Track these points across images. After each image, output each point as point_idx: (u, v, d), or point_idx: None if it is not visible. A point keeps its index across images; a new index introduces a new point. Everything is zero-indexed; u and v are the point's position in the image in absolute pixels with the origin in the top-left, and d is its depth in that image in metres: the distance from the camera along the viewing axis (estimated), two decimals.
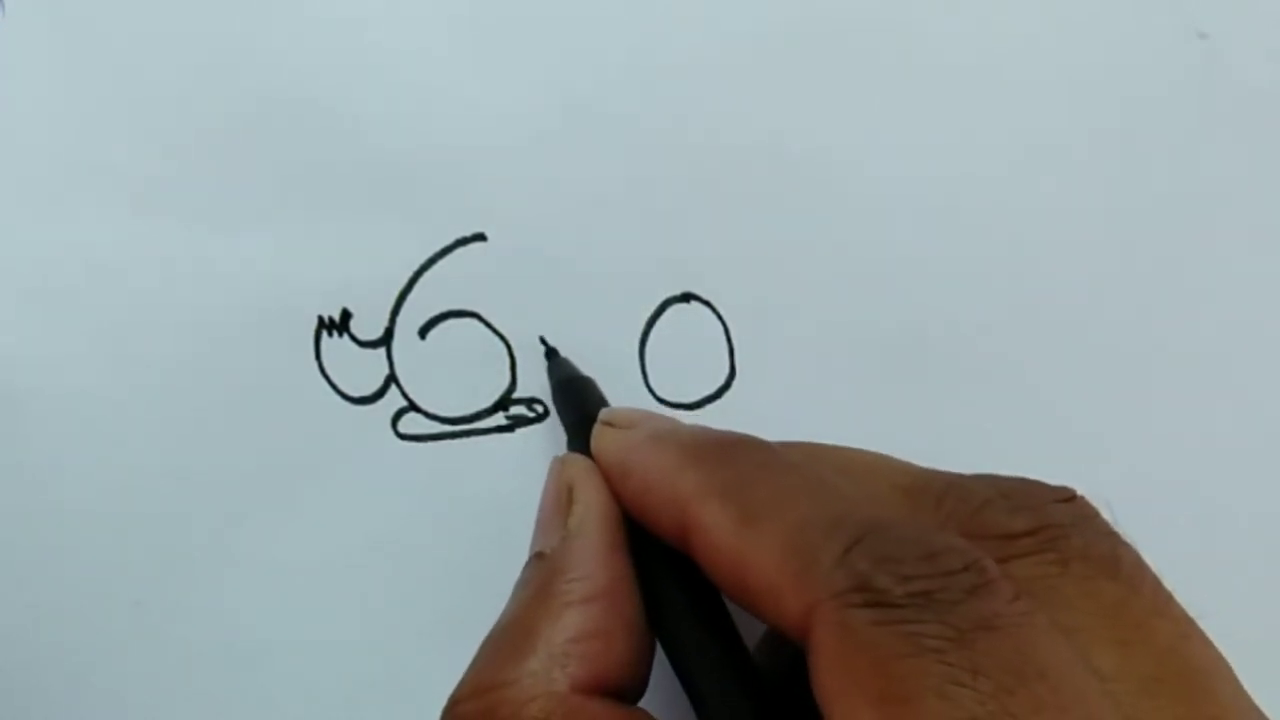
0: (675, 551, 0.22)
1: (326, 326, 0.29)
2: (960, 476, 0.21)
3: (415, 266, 0.29)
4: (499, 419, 0.30)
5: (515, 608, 0.22)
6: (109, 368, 0.29)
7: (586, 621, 0.21)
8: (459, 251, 0.29)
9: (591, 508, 0.23)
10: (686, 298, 0.30)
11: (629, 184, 0.30)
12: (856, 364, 0.31)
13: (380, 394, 0.29)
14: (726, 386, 0.30)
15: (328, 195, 0.29)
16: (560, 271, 0.30)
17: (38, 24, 0.28)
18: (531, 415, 0.30)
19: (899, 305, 0.31)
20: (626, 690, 0.21)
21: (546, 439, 0.30)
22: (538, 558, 0.23)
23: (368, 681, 0.30)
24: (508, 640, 0.22)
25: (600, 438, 0.24)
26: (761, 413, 0.30)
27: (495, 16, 0.29)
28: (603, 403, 0.27)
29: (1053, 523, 0.19)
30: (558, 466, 0.25)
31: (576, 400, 0.27)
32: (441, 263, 0.29)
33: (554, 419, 0.30)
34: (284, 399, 0.29)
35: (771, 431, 0.30)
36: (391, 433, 0.29)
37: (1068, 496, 0.20)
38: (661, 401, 0.30)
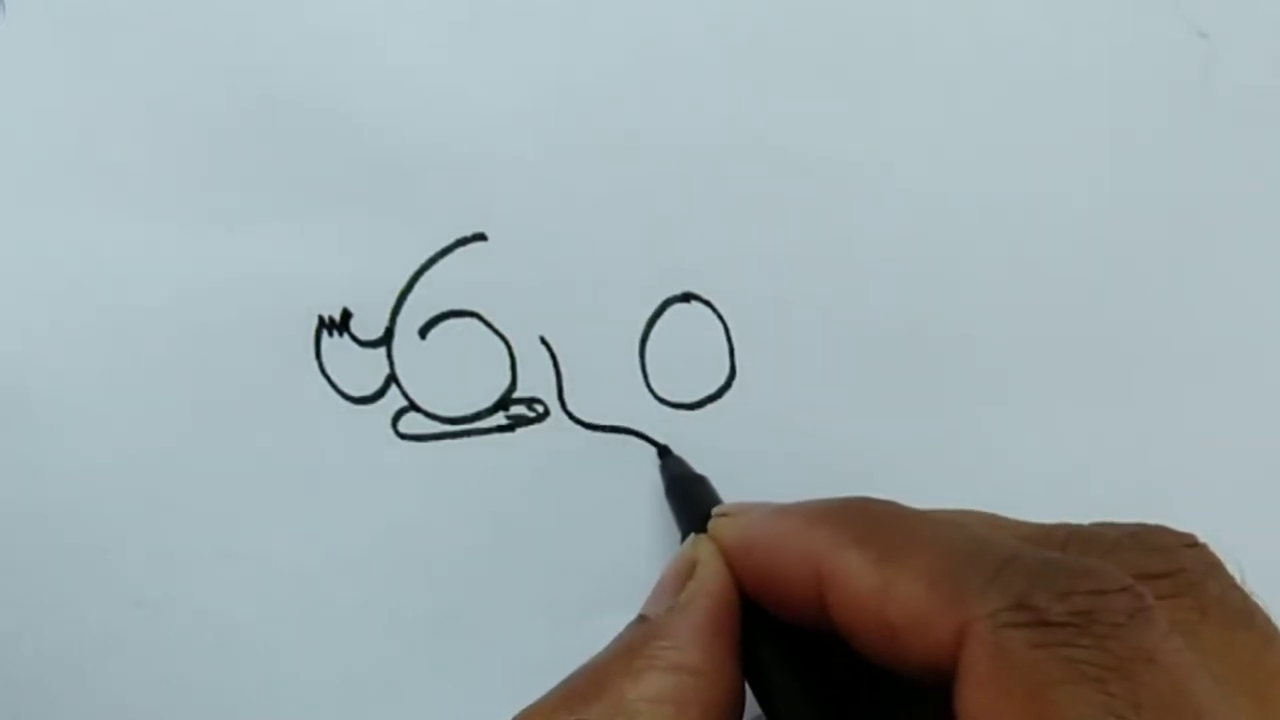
0: (791, 636, 0.22)
1: (327, 326, 0.29)
2: (1079, 525, 0.21)
3: (416, 266, 0.29)
4: (499, 419, 0.30)
5: (599, 658, 0.22)
6: (109, 368, 0.29)
7: (666, 688, 0.21)
8: (459, 251, 0.29)
9: (706, 585, 0.23)
10: (687, 298, 0.30)
11: (629, 184, 0.30)
12: (856, 364, 0.31)
13: (380, 394, 0.29)
14: (727, 386, 0.30)
15: (328, 195, 0.29)
16: (560, 271, 0.30)
17: (38, 24, 0.28)
18: (531, 415, 0.30)
19: (899, 305, 0.31)
20: None
21: (546, 439, 0.30)
22: (640, 620, 0.23)
23: (368, 681, 0.30)
24: (578, 684, 0.21)
25: (720, 524, 0.24)
26: (761, 413, 0.30)
27: (495, 16, 0.29)
28: (717, 497, 0.28)
29: (1186, 567, 0.19)
30: (688, 544, 0.25)
31: (691, 496, 0.28)
32: (442, 262, 0.29)
33: (555, 419, 0.30)
34: (284, 399, 0.29)
35: (771, 431, 0.30)
36: (392, 432, 0.29)
37: (1193, 542, 0.20)
38: (662, 401, 0.30)
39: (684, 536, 0.26)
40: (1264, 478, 0.32)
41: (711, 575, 0.23)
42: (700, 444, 0.30)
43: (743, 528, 0.23)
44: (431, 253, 0.29)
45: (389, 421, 0.29)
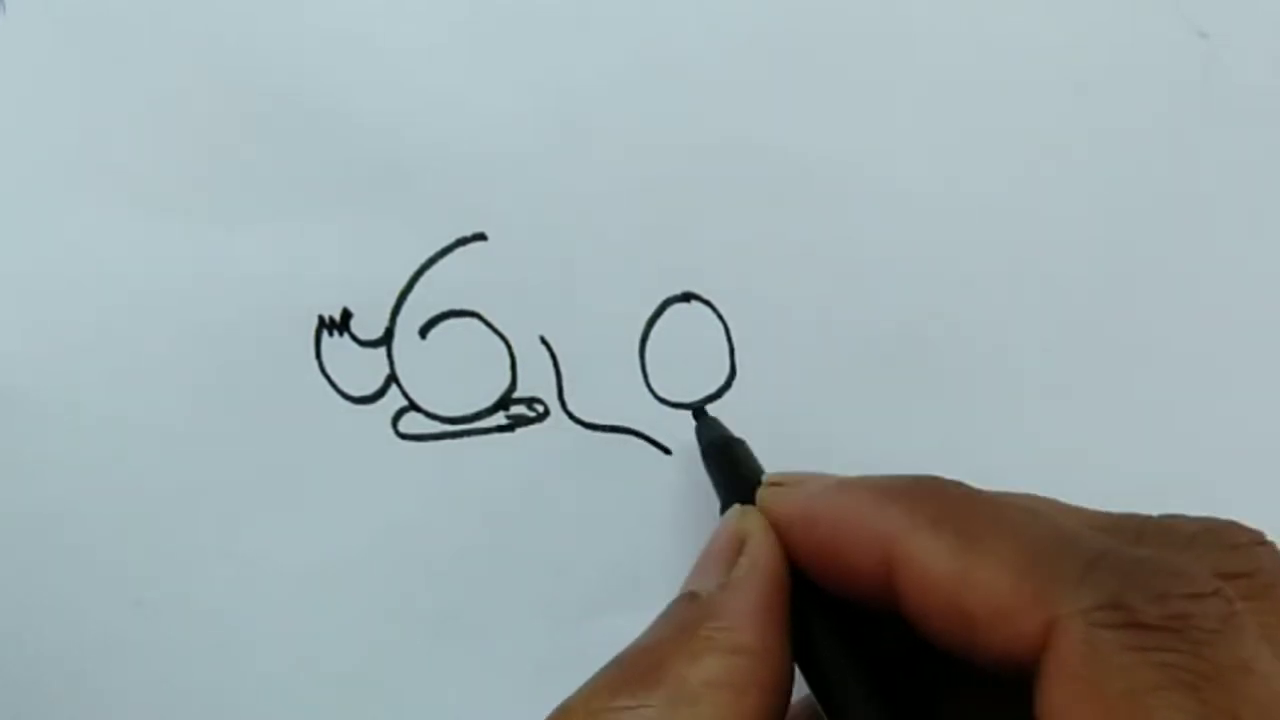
0: (842, 613, 0.22)
1: (327, 326, 0.29)
2: (1149, 516, 0.21)
3: (416, 266, 0.29)
4: (499, 419, 0.30)
5: (651, 639, 0.22)
6: (109, 368, 0.29)
7: (726, 670, 0.20)
8: (459, 251, 0.29)
9: (759, 563, 0.22)
10: (687, 297, 0.30)
11: (629, 184, 0.30)
12: (856, 364, 0.31)
13: (381, 393, 0.29)
14: (727, 386, 0.30)
15: (328, 195, 0.29)
16: (560, 271, 0.30)
17: (38, 23, 0.28)
18: (532, 415, 0.30)
19: (899, 305, 0.31)
20: None
21: (546, 439, 0.30)
22: (690, 596, 0.22)
23: (368, 681, 0.30)
24: (635, 667, 0.21)
25: (775, 495, 0.24)
26: (761, 413, 0.30)
27: (495, 17, 0.29)
28: (758, 464, 0.27)
29: (1263, 567, 0.19)
30: (734, 515, 0.24)
31: (733, 462, 0.27)
32: (442, 262, 0.29)
33: (555, 419, 0.30)
34: (284, 398, 0.29)
35: (771, 431, 0.30)
36: (392, 432, 0.29)
37: (1263, 540, 0.20)
38: (662, 401, 0.30)
39: (725, 503, 0.26)
40: (1264, 478, 0.32)
41: (765, 551, 0.23)
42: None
43: (803, 501, 0.23)
44: (431, 252, 0.29)
45: (389, 421, 0.29)
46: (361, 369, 0.29)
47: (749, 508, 0.24)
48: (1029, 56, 0.31)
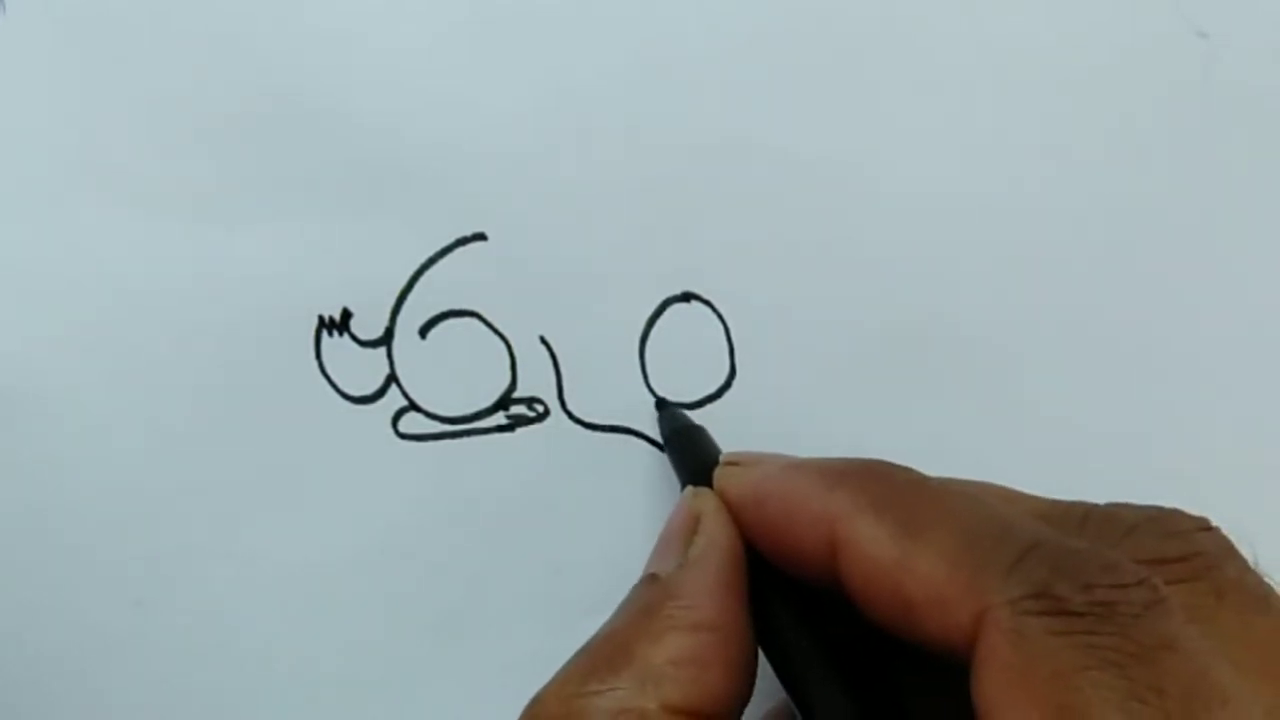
0: (798, 591, 0.22)
1: (327, 326, 0.29)
2: (1095, 505, 0.21)
3: (415, 266, 0.29)
4: (499, 418, 0.30)
5: (616, 623, 0.22)
6: (109, 368, 0.29)
7: (689, 647, 0.21)
8: (459, 251, 0.29)
9: (716, 541, 0.23)
10: (687, 297, 0.30)
11: (629, 184, 0.30)
12: (856, 364, 0.31)
13: (380, 393, 0.29)
14: (727, 386, 0.30)
15: (328, 195, 0.29)
16: (560, 271, 0.30)
17: (38, 23, 0.28)
18: (531, 415, 0.30)
19: (898, 305, 0.31)
20: None
21: (546, 438, 0.30)
22: (650, 579, 0.23)
23: (368, 681, 0.30)
24: (601, 653, 0.21)
25: (728, 474, 0.24)
26: (761, 413, 0.30)
27: (496, 16, 0.29)
28: (717, 448, 0.27)
29: (1202, 550, 0.19)
30: (687, 496, 0.25)
31: (692, 447, 0.27)
32: (442, 262, 0.29)
33: (555, 418, 0.30)
34: (284, 398, 0.29)
35: (771, 431, 0.30)
36: (392, 432, 0.29)
37: (1208, 525, 0.20)
38: (662, 401, 0.30)
39: (684, 486, 0.26)
40: (1263, 477, 0.32)
41: (719, 529, 0.23)
42: None
43: (754, 480, 0.23)
44: (431, 252, 0.29)
45: (389, 421, 0.29)
46: (361, 369, 0.29)
47: (702, 489, 0.25)
48: (1029, 56, 0.31)
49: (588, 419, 0.30)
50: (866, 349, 0.31)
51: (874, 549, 0.20)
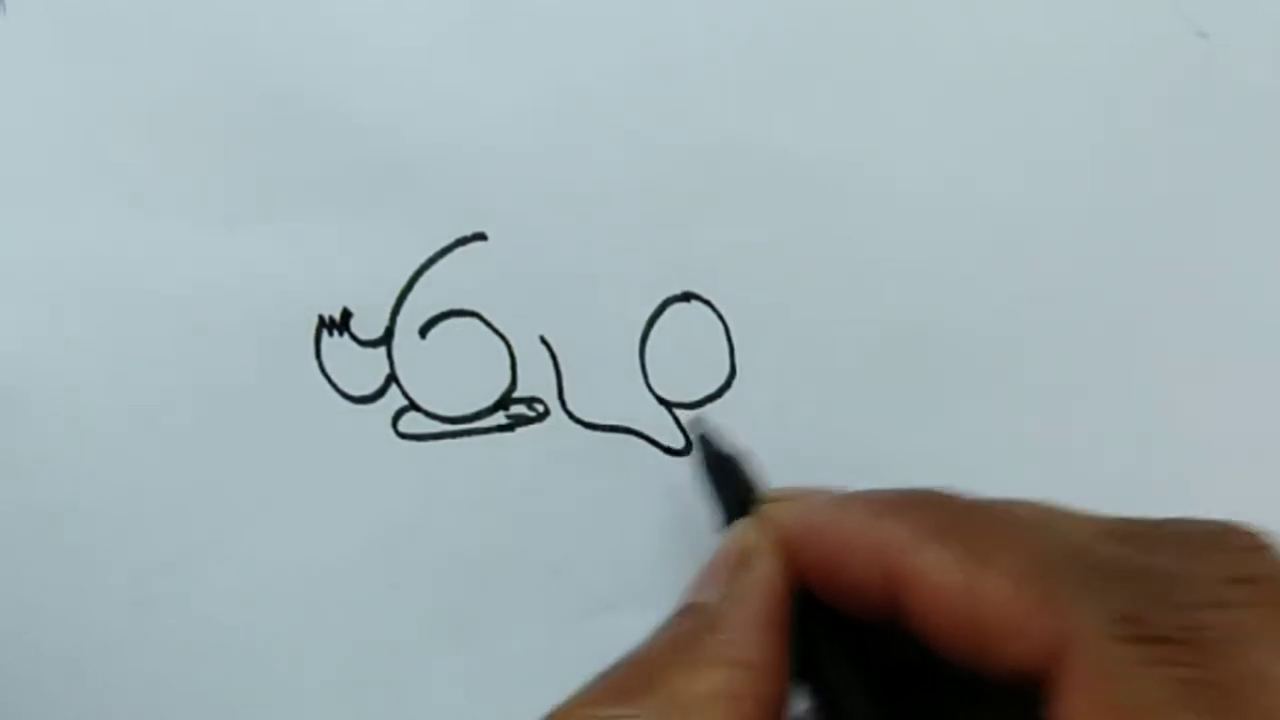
0: (847, 628, 0.22)
1: (327, 326, 0.29)
2: (1156, 521, 0.20)
3: (416, 266, 0.29)
4: (499, 418, 0.30)
5: (647, 649, 0.21)
6: (109, 368, 0.29)
7: (725, 682, 0.20)
8: (459, 251, 0.29)
9: (763, 576, 0.22)
10: (687, 297, 0.30)
11: (629, 183, 0.30)
12: (856, 364, 0.31)
13: (381, 393, 0.29)
14: (727, 386, 0.30)
15: (328, 195, 0.29)
16: (560, 271, 0.30)
17: (39, 23, 0.28)
18: (532, 415, 0.30)
19: (899, 305, 0.31)
20: None
21: (546, 438, 0.30)
22: (689, 608, 0.22)
23: (368, 681, 0.30)
24: (627, 678, 0.21)
25: (777, 509, 0.24)
26: (761, 413, 0.30)
27: (496, 16, 0.29)
28: (758, 477, 0.27)
29: (1269, 574, 0.19)
30: (739, 528, 0.24)
31: (736, 479, 0.27)
32: (442, 262, 0.29)
33: (555, 418, 0.30)
34: (285, 398, 0.29)
35: (771, 432, 0.30)
36: (392, 432, 0.29)
37: (1266, 543, 0.20)
38: (662, 401, 0.30)
39: (726, 518, 0.26)
40: (1264, 477, 0.32)
41: (767, 564, 0.22)
42: None
43: (805, 514, 0.23)
44: (431, 252, 0.29)
45: (389, 421, 0.29)
46: (362, 369, 0.29)
47: (753, 521, 0.24)
48: (1029, 56, 0.31)
49: (588, 419, 0.30)
50: (866, 349, 0.31)
51: (940, 576, 0.19)
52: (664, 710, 0.20)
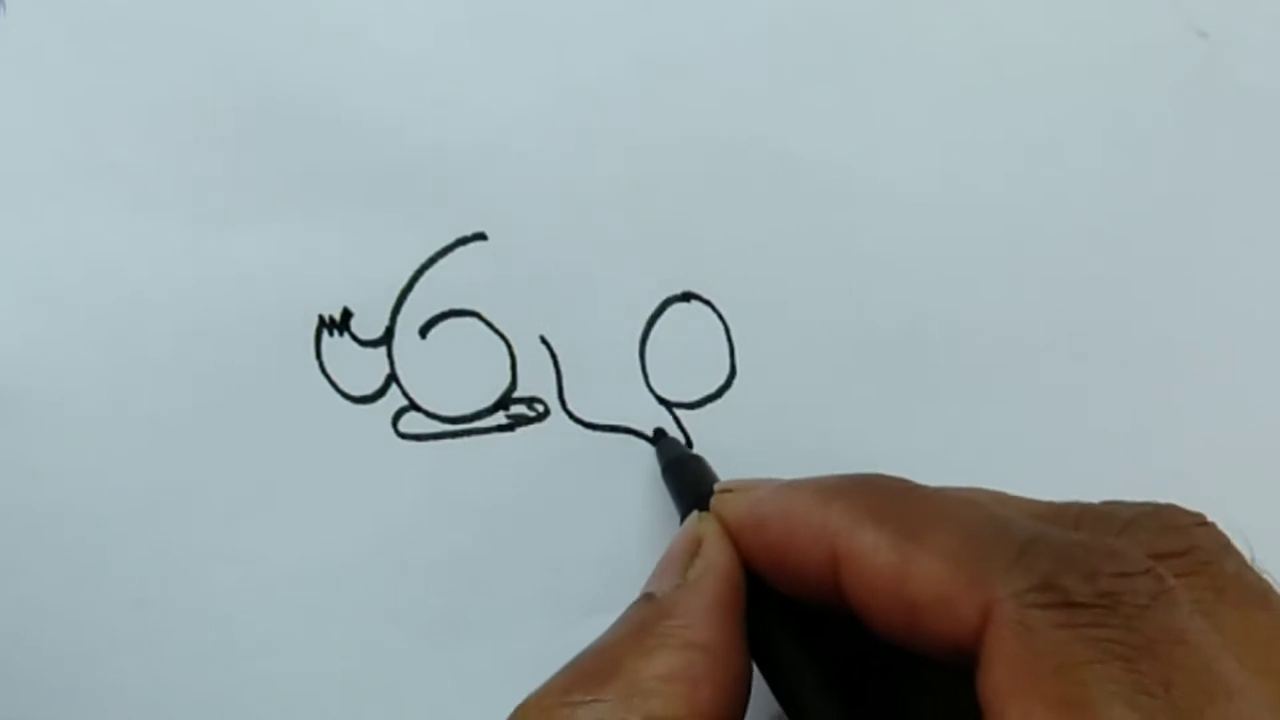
0: (797, 613, 0.22)
1: (327, 325, 0.29)
2: (1090, 503, 0.21)
3: (416, 266, 0.29)
4: (499, 418, 0.30)
5: (607, 638, 0.22)
6: (109, 368, 0.29)
7: (679, 665, 0.21)
8: (459, 251, 0.29)
9: (715, 564, 0.23)
10: (687, 297, 0.30)
11: (629, 183, 0.30)
12: (856, 364, 0.31)
13: (381, 393, 0.29)
14: (727, 386, 0.30)
15: (329, 195, 0.29)
16: (561, 271, 0.30)
17: (38, 22, 0.28)
18: (532, 415, 0.30)
19: (899, 305, 0.31)
20: None
21: (547, 438, 0.30)
22: (646, 598, 0.23)
23: (368, 681, 0.30)
24: (589, 665, 0.21)
25: (724, 501, 0.24)
26: (761, 413, 0.30)
27: (495, 16, 0.29)
28: (714, 476, 0.27)
29: (1200, 545, 0.19)
30: (691, 521, 0.25)
31: (689, 475, 0.28)
32: (442, 262, 0.29)
33: (555, 418, 0.30)
34: (285, 398, 0.29)
35: (772, 431, 0.30)
36: (392, 432, 0.29)
37: (1204, 520, 0.20)
38: (662, 401, 0.30)
39: (683, 516, 0.26)
40: (1265, 477, 0.32)
41: (718, 552, 0.23)
42: (700, 443, 0.30)
43: (751, 503, 0.23)
44: (432, 252, 0.29)
45: (389, 421, 0.29)
46: (362, 368, 0.29)
47: (705, 514, 0.25)
48: (1029, 56, 0.31)
49: (588, 419, 0.30)
50: (866, 349, 0.31)
51: (875, 557, 0.20)
52: (625, 695, 0.20)
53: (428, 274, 0.29)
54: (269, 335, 0.29)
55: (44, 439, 0.29)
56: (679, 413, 0.30)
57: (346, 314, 0.29)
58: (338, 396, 0.29)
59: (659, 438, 0.30)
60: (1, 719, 0.29)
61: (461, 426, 0.30)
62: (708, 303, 0.30)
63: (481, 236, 0.29)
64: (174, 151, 0.29)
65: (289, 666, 0.29)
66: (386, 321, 0.29)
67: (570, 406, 0.30)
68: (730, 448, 0.30)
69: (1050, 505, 0.21)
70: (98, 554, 0.29)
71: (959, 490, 0.22)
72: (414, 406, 0.29)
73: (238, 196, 0.29)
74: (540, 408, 0.30)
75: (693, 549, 0.23)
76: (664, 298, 0.30)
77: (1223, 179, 0.31)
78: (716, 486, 0.25)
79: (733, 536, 0.23)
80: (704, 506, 0.25)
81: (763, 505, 0.23)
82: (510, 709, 0.30)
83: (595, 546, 0.30)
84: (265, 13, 0.29)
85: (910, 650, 0.20)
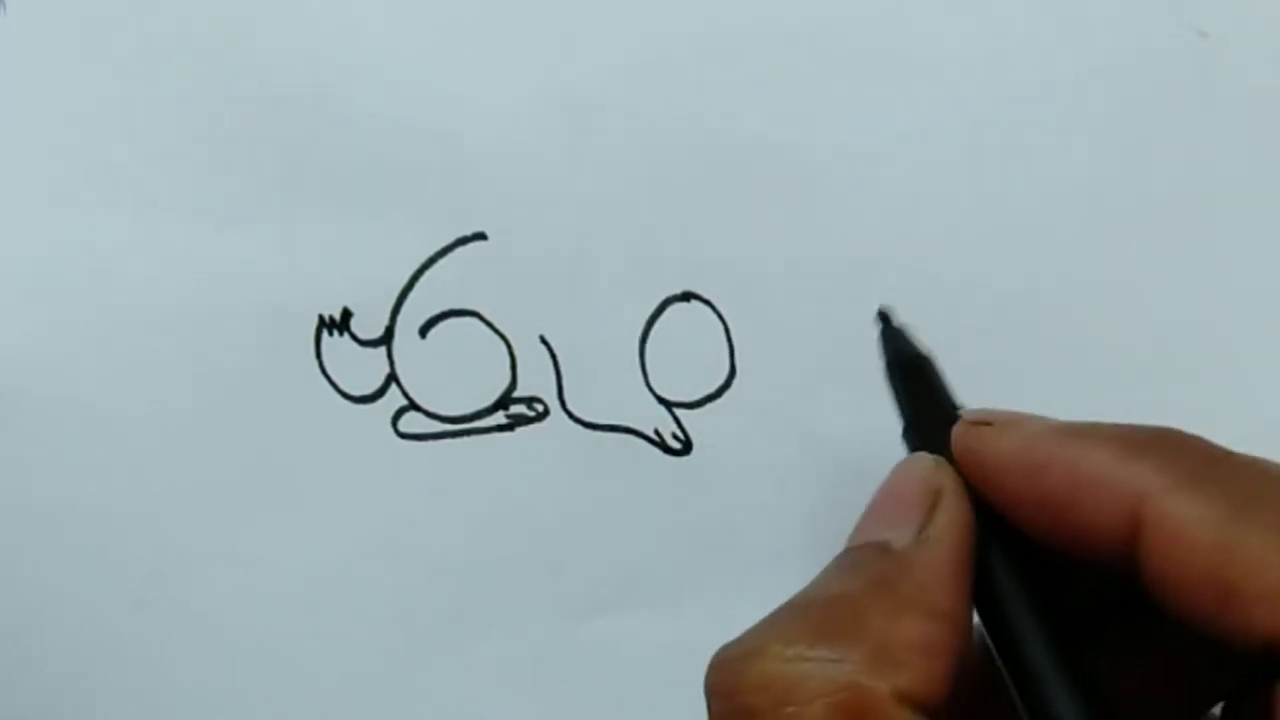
0: (1029, 563, 0.20)
1: (327, 325, 0.29)
2: None
3: (416, 265, 0.29)
4: (499, 418, 0.30)
5: (843, 586, 0.20)
6: (109, 367, 0.29)
7: (928, 634, 0.19)
8: (459, 250, 0.29)
9: (958, 522, 0.21)
10: (687, 296, 0.30)
11: (629, 183, 0.30)
12: (856, 364, 0.31)
13: (381, 393, 0.29)
14: (727, 385, 0.30)
15: (328, 194, 0.29)
16: (560, 270, 0.30)
17: (39, 22, 0.28)
18: (531, 414, 0.30)
19: (898, 305, 0.30)
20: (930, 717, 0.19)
21: (546, 438, 0.30)
22: (880, 548, 0.20)
23: (368, 681, 0.30)
24: (830, 616, 0.19)
25: (988, 436, 0.22)
26: (762, 412, 0.30)
27: (495, 16, 0.29)
28: (950, 394, 0.25)
29: None
30: (928, 467, 0.22)
31: (922, 383, 0.25)
32: (442, 262, 0.29)
33: (555, 418, 0.30)
34: (285, 398, 0.29)
35: (771, 431, 0.30)
36: (392, 432, 0.29)
37: None
38: (661, 400, 0.30)
39: (913, 429, 0.24)
40: None
41: (963, 511, 0.21)
42: (700, 443, 0.30)
43: (1024, 444, 0.21)
44: (431, 252, 0.29)
45: (389, 421, 0.29)
46: (362, 368, 0.29)
47: (942, 460, 0.22)
48: (1028, 57, 0.31)
49: (587, 418, 0.30)
50: (866, 348, 0.31)
51: (1193, 530, 0.18)
52: (874, 659, 0.18)
53: (427, 274, 0.29)
54: (269, 335, 0.29)
55: (44, 439, 0.29)
56: (679, 412, 0.30)
57: (346, 314, 0.29)
58: (338, 396, 0.29)
59: (885, 321, 0.26)
60: (1, 719, 0.29)
61: (461, 426, 0.30)
62: (707, 302, 0.30)
63: (481, 236, 0.29)
64: (173, 151, 0.29)
65: (288, 666, 0.29)
66: (386, 321, 0.29)
67: (570, 406, 0.30)
68: (730, 447, 0.30)
69: None
70: (98, 554, 0.29)
71: (1269, 461, 0.20)
72: (414, 406, 0.30)
73: (237, 196, 0.29)
74: (540, 407, 0.30)
75: (932, 498, 0.21)
76: (664, 297, 0.30)
77: (1222, 179, 0.31)
78: (964, 417, 0.23)
79: (984, 476, 0.21)
80: (938, 429, 0.23)
81: (1041, 449, 0.20)
82: (510, 709, 0.30)
83: (595, 546, 0.30)
84: (265, 12, 0.29)
85: (1205, 631, 0.18)
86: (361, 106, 0.29)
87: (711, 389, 0.30)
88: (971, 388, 0.31)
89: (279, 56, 0.29)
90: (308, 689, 0.30)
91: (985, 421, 0.22)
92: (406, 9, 0.29)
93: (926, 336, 0.31)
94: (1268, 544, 0.17)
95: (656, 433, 0.30)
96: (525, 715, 0.30)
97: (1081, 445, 0.20)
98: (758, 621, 0.19)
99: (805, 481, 0.30)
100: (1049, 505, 0.20)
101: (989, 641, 0.21)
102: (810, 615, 0.19)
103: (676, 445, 0.30)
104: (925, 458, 0.23)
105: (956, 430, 0.22)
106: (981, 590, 0.21)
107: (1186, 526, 0.18)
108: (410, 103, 0.29)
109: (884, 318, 0.26)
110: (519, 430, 0.30)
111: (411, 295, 0.29)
